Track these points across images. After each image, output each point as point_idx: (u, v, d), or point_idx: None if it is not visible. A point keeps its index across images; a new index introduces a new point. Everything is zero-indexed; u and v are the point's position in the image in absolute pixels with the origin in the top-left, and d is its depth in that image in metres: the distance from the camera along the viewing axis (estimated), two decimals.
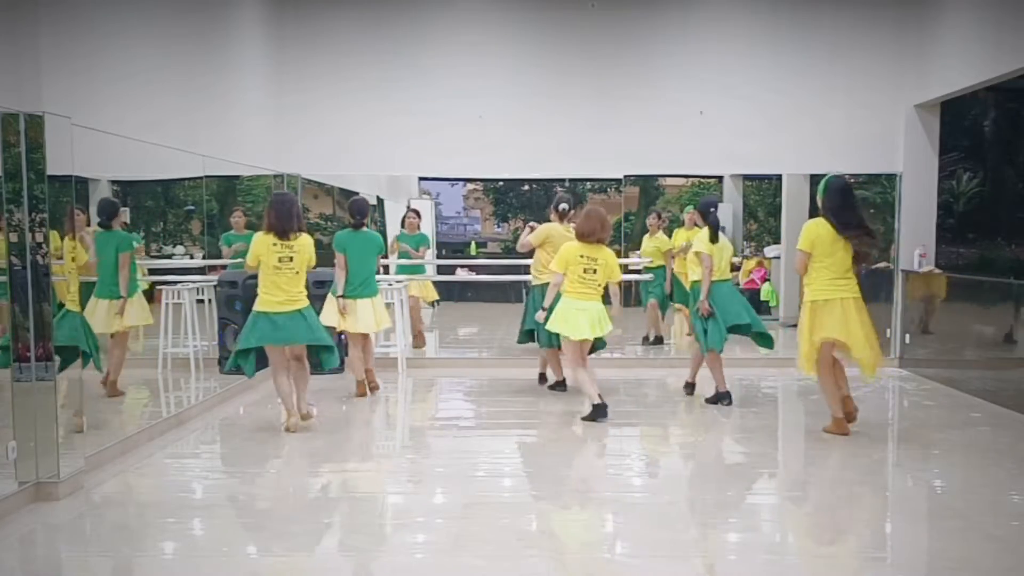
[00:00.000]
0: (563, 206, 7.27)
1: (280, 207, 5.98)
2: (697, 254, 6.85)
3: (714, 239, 6.85)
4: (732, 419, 6.76)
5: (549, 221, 7.35)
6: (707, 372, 7.02)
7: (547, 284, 6.71)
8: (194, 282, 8.12)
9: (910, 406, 7.44)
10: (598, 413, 6.38)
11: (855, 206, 5.91)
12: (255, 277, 8.14)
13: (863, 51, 8.98)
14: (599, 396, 6.40)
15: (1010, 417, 6.62)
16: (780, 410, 7.44)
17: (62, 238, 4.94)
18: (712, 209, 6.96)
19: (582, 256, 6.33)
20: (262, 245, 5.98)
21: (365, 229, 7.11)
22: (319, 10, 9.15)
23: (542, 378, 7.76)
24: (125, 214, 8.28)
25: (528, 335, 7.59)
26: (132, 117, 6.68)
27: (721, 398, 6.96)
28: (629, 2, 9.09)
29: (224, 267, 8.50)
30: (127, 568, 3.94)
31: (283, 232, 5.96)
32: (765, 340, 7.02)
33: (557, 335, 6.61)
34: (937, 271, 8.64)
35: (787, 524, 4.59)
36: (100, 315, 6.58)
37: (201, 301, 8.17)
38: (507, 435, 6.30)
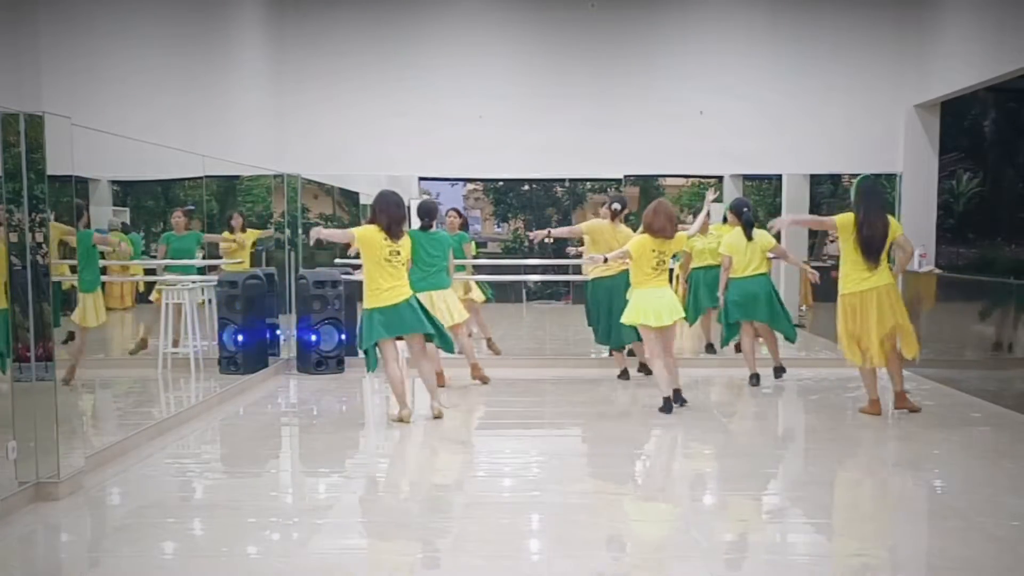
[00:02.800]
0: (616, 206, 7.62)
1: (394, 208, 6.23)
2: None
3: (748, 237, 7.49)
4: (733, 419, 6.77)
5: (551, 225, 7.63)
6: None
7: (599, 277, 7.48)
8: (194, 282, 8.12)
9: None
10: (665, 406, 6.61)
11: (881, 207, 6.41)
12: (255, 277, 8.20)
13: (863, 51, 8.98)
14: (670, 390, 6.64)
15: (1010, 417, 6.62)
16: (781, 410, 7.44)
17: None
18: (745, 209, 7.55)
19: (653, 251, 6.55)
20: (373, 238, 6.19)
21: (433, 230, 7.40)
22: (319, 10, 9.15)
23: (625, 373, 8.03)
24: (125, 214, 8.28)
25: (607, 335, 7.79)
26: (132, 117, 6.67)
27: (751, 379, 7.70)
28: (629, 2, 9.10)
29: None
30: (127, 568, 3.93)
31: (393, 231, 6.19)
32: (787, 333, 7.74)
33: (632, 331, 7.04)
34: (937, 271, 8.65)
35: (787, 524, 4.59)
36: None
37: (201, 302, 8.16)
38: (508, 435, 6.30)
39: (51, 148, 4.57)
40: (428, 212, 7.37)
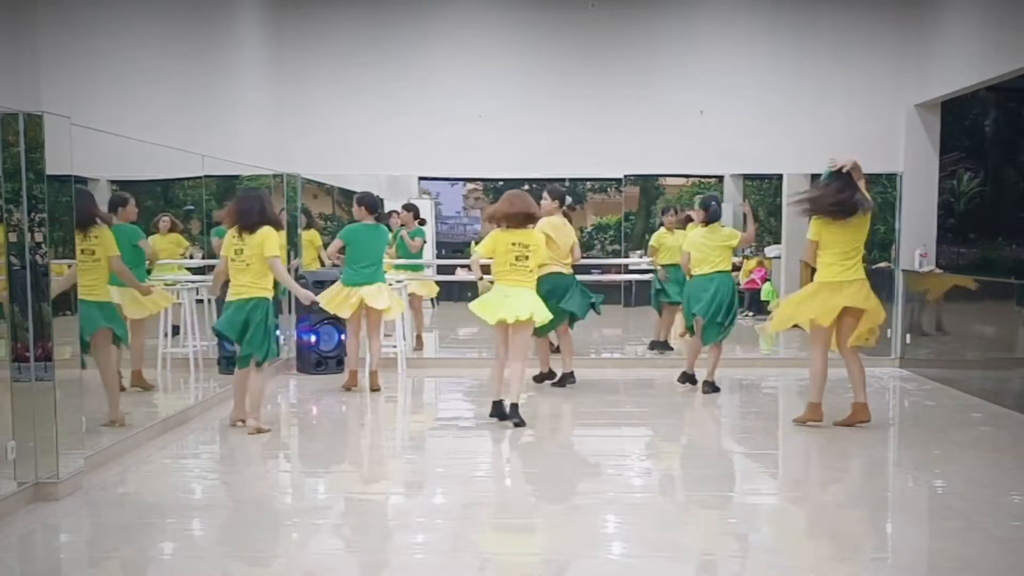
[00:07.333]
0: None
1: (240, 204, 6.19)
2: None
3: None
4: (732, 419, 6.77)
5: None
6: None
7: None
8: (194, 282, 8.11)
9: (910, 406, 7.44)
10: (493, 410, 6.37)
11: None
12: None
13: (863, 51, 8.97)
14: (497, 395, 6.40)
15: (1010, 417, 6.62)
16: (780, 410, 7.43)
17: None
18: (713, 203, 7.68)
19: (514, 243, 6.35)
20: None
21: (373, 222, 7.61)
22: (319, 10, 9.14)
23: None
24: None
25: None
26: (132, 117, 6.65)
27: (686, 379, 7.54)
28: (629, 2, 9.09)
29: None
30: (127, 568, 3.93)
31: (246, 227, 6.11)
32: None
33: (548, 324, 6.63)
34: (938, 271, 8.64)
35: (787, 524, 4.59)
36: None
37: (200, 301, 8.15)
38: (507, 435, 6.29)
39: (50, 148, 4.57)
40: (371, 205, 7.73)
